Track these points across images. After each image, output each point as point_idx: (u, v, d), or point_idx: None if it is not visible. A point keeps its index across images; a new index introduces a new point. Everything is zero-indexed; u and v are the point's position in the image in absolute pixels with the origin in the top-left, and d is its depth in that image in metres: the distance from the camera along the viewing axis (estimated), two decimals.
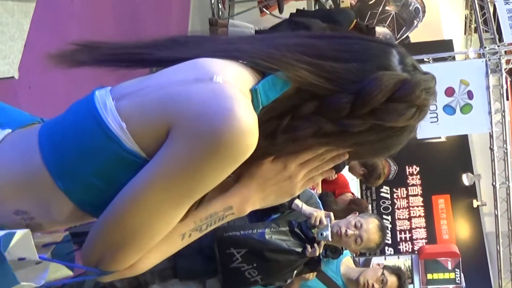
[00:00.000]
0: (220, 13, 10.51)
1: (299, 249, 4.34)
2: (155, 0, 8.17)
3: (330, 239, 4.45)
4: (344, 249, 5.05)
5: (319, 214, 4.44)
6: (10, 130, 1.67)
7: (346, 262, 5.18)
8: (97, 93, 1.57)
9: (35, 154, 1.56)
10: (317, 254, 4.40)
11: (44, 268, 1.50)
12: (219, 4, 10.49)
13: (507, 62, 9.92)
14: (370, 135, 1.63)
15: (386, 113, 1.58)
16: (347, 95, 1.55)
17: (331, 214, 4.58)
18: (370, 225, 4.80)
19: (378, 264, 8.94)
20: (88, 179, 1.54)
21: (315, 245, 4.34)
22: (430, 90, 1.65)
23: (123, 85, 1.61)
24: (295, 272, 4.45)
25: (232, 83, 1.48)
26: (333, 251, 4.88)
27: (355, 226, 4.74)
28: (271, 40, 1.71)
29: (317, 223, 4.41)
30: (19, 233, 1.42)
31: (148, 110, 1.50)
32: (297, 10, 9.89)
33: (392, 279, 5.05)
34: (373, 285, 4.99)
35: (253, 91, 1.53)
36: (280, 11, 9.99)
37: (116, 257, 1.53)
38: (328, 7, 12.00)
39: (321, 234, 4.36)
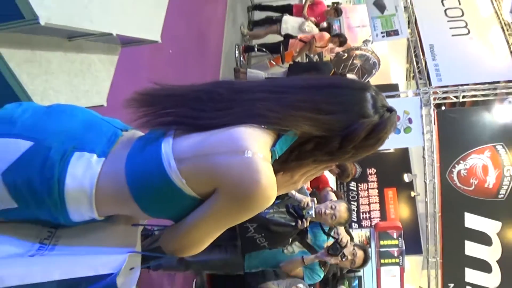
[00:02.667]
0: (242, 63, 10.57)
1: (293, 223, 4.49)
2: (197, 57, 8.22)
3: (314, 216, 4.63)
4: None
5: (307, 199, 4.63)
6: (104, 159, 1.65)
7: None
8: (163, 150, 1.58)
9: (125, 190, 1.59)
10: (305, 226, 4.57)
11: (136, 272, 1.67)
12: (241, 58, 10.54)
13: (434, 99, 10.00)
14: (352, 157, 1.70)
15: (362, 147, 1.66)
16: (336, 138, 1.60)
17: (315, 199, 4.78)
18: (342, 207, 4.96)
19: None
20: (165, 213, 1.65)
21: (304, 220, 4.50)
22: (393, 125, 1.71)
23: (182, 147, 1.59)
24: (291, 239, 4.67)
25: (258, 153, 1.51)
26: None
27: (331, 208, 4.91)
28: (279, 98, 1.65)
29: (305, 205, 4.57)
30: (129, 263, 1.58)
31: (201, 174, 1.54)
32: (294, 61, 9.94)
33: (360, 253, 5.13)
34: (346, 258, 5.04)
35: (273, 152, 1.58)
36: (283, 62, 10.05)
37: (184, 252, 1.67)
38: (315, 60, 12.02)
39: (308, 213, 4.53)
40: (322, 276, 5.33)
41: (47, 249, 1.68)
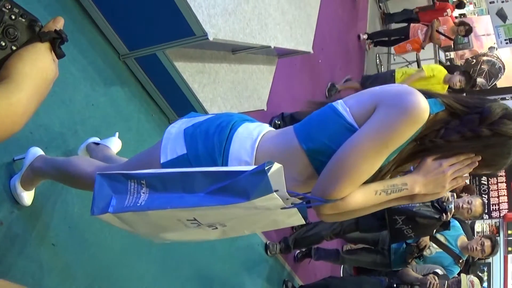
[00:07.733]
0: (382, 68, 10.43)
1: (437, 216, 4.42)
2: (343, 65, 8.10)
3: (453, 210, 4.55)
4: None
5: (447, 194, 4.48)
6: (272, 128, 1.84)
7: (462, 239, 5.18)
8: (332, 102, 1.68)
9: (292, 135, 1.68)
10: (448, 218, 4.50)
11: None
12: (381, 66, 10.34)
13: None
14: (491, 140, 1.58)
15: (499, 124, 1.57)
16: (475, 114, 1.59)
17: (455, 194, 4.77)
18: (477, 202, 4.86)
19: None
20: (322, 141, 1.60)
21: (448, 213, 4.44)
22: None
23: (349, 96, 1.69)
24: (434, 230, 4.61)
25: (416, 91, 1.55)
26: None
27: (468, 202, 4.83)
28: None
29: (446, 200, 4.48)
30: (276, 165, 1.36)
31: (363, 101, 1.59)
32: None
33: (487, 243, 5.02)
34: (476, 248, 5.01)
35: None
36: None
37: (335, 187, 1.52)
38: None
39: (448, 206, 4.45)
40: (456, 272, 5.22)
41: None
